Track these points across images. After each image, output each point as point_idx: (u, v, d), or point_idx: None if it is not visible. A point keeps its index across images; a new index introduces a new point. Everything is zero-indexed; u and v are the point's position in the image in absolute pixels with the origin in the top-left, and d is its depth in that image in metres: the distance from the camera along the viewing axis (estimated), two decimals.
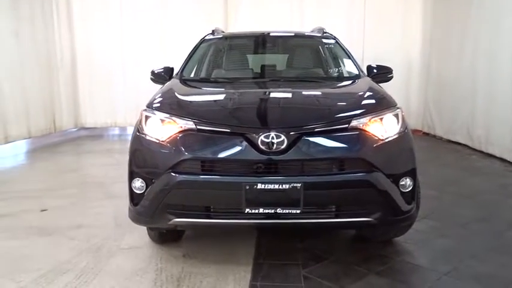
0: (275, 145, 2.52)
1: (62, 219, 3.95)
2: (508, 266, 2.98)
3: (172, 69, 4.01)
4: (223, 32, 4.92)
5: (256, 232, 3.50)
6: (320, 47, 4.37)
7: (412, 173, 2.78)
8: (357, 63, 3.92)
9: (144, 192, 2.75)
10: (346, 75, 3.92)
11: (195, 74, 4.04)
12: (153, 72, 4.02)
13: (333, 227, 3.16)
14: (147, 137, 2.78)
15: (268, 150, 2.52)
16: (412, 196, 2.81)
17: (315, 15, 8.69)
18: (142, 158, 2.80)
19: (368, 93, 3.15)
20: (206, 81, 4.00)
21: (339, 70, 4.00)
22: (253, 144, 2.54)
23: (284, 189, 2.49)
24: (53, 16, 8.54)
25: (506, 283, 2.75)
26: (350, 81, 3.64)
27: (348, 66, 3.94)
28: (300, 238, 3.43)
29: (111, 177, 5.45)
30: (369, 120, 2.72)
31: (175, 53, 7.22)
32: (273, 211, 2.53)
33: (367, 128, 2.68)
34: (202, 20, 8.61)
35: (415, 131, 9.06)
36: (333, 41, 4.30)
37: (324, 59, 4.26)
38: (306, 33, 4.77)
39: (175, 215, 2.67)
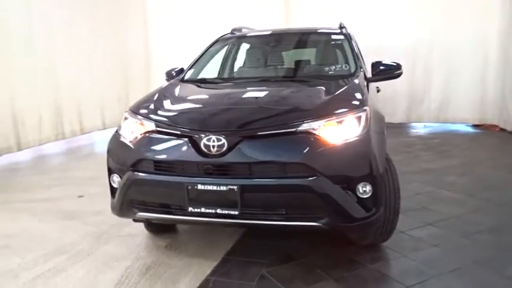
0: (215, 148, 2.60)
1: (90, 206, 4.41)
2: (485, 283, 2.71)
3: (182, 70, 4.21)
4: (249, 29, 4.97)
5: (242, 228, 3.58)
6: (321, 44, 4.22)
7: (369, 178, 2.63)
8: (359, 60, 3.74)
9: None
10: (332, 73, 3.74)
11: (195, 74, 4.08)
12: (167, 73, 4.26)
13: (280, 230, 3.13)
14: (121, 138, 3.03)
15: (209, 152, 2.62)
16: (373, 202, 2.68)
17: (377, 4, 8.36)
18: (116, 155, 3.06)
19: (337, 95, 3.01)
20: (201, 82, 3.95)
21: (328, 69, 3.80)
22: (197, 147, 2.66)
23: (221, 191, 2.57)
24: (129, 14, 9.38)
25: None
26: (331, 81, 3.39)
27: (344, 64, 3.76)
28: (284, 236, 3.42)
29: None
30: (324, 123, 2.65)
31: None
32: (213, 211, 2.63)
33: (318, 132, 2.61)
34: (265, 20, 8.73)
35: (491, 127, 8.24)
36: (341, 37, 4.09)
37: (318, 57, 4.12)
38: (313, 30, 4.60)
39: (139, 210, 2.91)
